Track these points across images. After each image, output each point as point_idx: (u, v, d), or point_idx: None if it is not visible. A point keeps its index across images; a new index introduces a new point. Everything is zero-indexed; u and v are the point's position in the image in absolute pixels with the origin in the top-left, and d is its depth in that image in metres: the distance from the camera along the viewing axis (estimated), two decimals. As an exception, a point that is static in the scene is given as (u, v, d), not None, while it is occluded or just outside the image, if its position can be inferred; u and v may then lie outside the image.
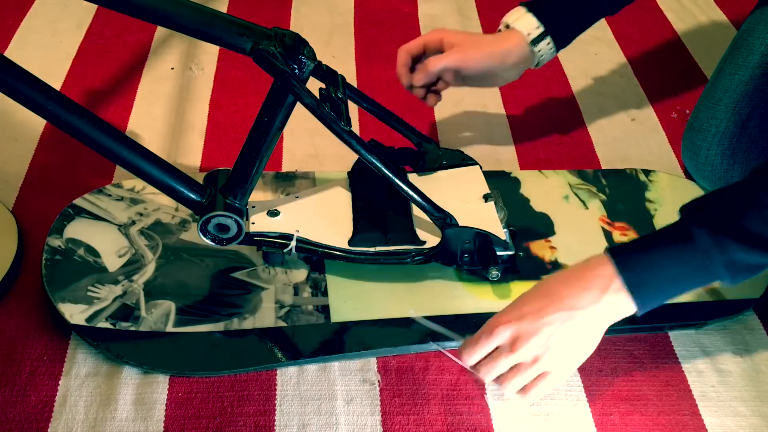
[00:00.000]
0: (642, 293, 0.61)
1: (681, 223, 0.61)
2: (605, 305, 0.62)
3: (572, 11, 0.86)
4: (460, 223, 0.76)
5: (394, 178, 0.72)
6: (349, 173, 0.85)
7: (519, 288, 0.81)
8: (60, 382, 0.71)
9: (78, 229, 0.82)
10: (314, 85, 0.72)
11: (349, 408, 0.71)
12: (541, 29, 0.84)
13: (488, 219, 0.79)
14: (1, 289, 0.78)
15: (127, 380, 0.72)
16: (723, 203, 0.60)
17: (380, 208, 0.81)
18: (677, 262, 0.60)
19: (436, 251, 0.77)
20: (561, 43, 0.87)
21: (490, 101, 1.11)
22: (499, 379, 0.67)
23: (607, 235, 0.89)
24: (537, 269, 0.84)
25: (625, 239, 0.88)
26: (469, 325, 0.78)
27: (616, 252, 0.62)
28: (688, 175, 0.98)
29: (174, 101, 1.07)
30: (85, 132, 0.67)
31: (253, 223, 0.77)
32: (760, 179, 0.60)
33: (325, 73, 0.75)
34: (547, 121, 1.08)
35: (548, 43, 0.85)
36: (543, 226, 0.89)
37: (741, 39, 0.90)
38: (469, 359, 0.66)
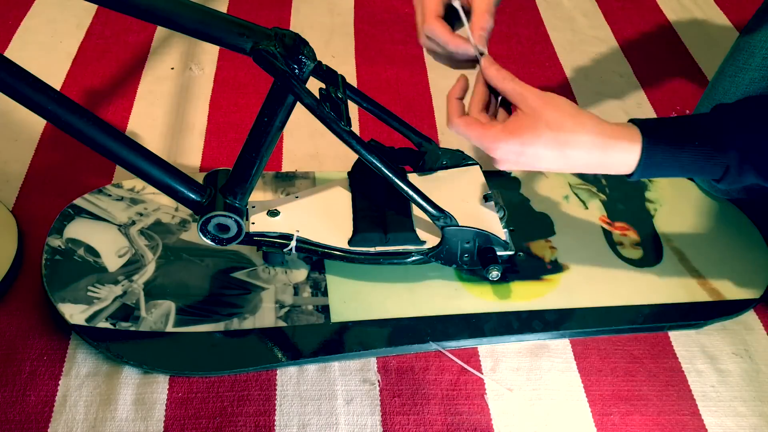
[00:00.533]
0: (649, 173, 0.67)
1: (715, 128, 0.65)
2: (609, 159, 0.66)
3: None
4: (460, 223, 0.76)
5: (394, 178, 0.72)
6: (349, 173, 0.85)
7: (519, 288, 0.82)
8: (60, 382, 0.71)
9: (78, 229, 0.82)
10: (314, 85, 0.72)
11: (349, 408, 0.71)
12: None
13: (488, 219, 0.79)
14: (1, 289, 0.78)
15: (127, 380, 0.72)
16: (753, 124, 0.64)
17: (380, 208, 0.80)
18: (699, 165, 0.65)
19: (436, 251, 0.77)
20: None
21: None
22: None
23: (607, 235, 0.89)
24: (537, 269, 0.84)
25: (625, 239, 0.88)
26: (469, 325, 0.78)
27: (648, 132, 0.65)
28: (688, 175, 0.98)
29: (174, 101, 1.07)
30: (85, 132, 0.67)
31: (253, 223, 0.77)
32: None
33: (325, 73, 0.75)
34: (547, 121, 1.08)
35: None
36: (543, 226, 0.89)
37: (742, 41, 0.90)
38: (456, 128, 0.68)
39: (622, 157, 0.66)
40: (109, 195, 0.87)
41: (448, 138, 1.04)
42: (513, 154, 0.66)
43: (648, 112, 1.10)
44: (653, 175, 0.68)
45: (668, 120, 0.68)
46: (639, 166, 0.66)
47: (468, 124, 0.67)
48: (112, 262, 0.80)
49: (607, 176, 0.96)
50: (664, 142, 0.65)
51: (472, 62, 0.72)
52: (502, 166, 0.68)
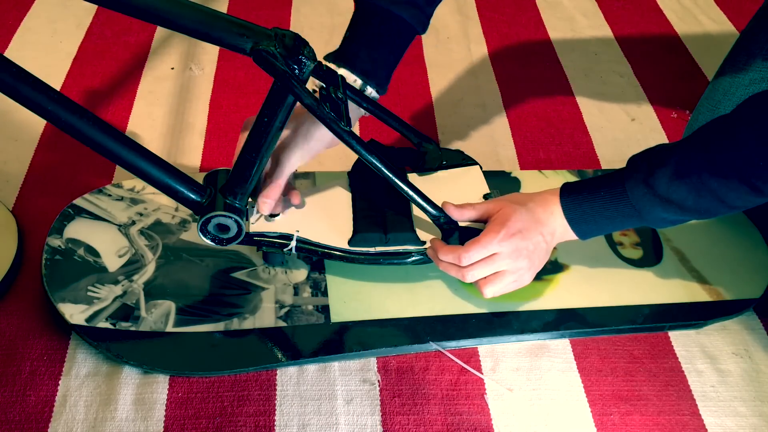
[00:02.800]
0: (581, 231, 0.73)
1: (619, 176, 0.70)
2: (561, 230, 0.73)
3: (381, 52, 0.76)
4: (460, 224, 0.76)
5: (394, 178, 0.72)
6: (349, 173, 0.85)
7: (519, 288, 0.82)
8: (60, 382, 0.71)
9: (78, 229, 0.82)
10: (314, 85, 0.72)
11: (349, 408, 0.71)
12: (360, 81, 0.75)
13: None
14: (1, 289, 0.78)
15: (127, 380, 0.72)
16: (654, 161, 0.68)
17: (380, 208, 0.80)
18: (613, 212, 0.70)
19: (436, 251, 0.77)
20: (383, 86, 0.78)
21: (490, 101, 1.11)
22: (479, 282, 0.73)
23: (607, 235, 0.89)
24: (537, 269, 0.84)
25: (625, 239, 0.88)
26: (469, 325, 0.78)
27: (566, 192, 0.72)
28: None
29: (174, 101, 1.07)
30: (85, 132, 0.67)
31: (253, 223, 0.77)
32: (690, 142, 0.67)
33: (325, 73, 0.75)
34: (547, 121, 1.08)
35: (370, 92, 0.77)
36: (543, 226, 0.89)
37: (743, 41, 0.90)
38: (466, 259, 0.71)
39: (555, 218, 0.72)
40: (109, 195, 0.87)
41: (448, 138, 1.04)
42: (522, 261, 0.71)
43: (648, 112, 1.10)
44: (588, 228, 0.72)
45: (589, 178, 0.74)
46: (568, 220, 0.72)
47: (466, 248, 0.72)
48: (112, 262, 0.80)
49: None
50: (578, 191, 0.71)
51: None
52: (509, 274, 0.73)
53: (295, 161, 0.74)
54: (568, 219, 0.71)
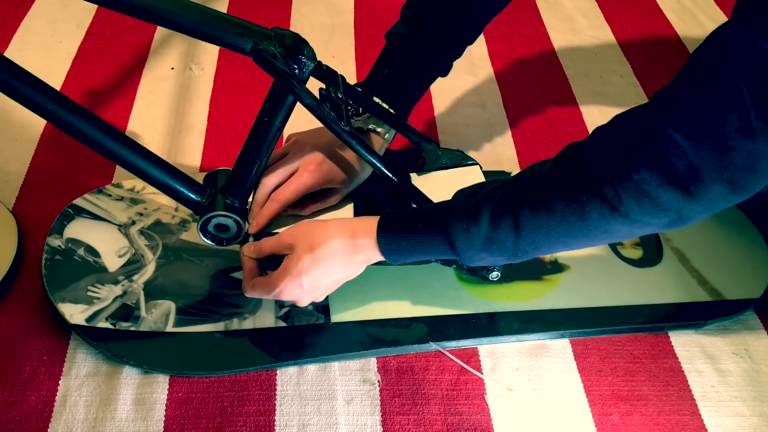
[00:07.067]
0: (395, 261, 0.69)
1: (441, 220, 0.65)
2: (361, 257, 0.69)
3: (409, 89, 0.81)
4: None
5: (394, 178, 0.72)
6: (349, 173, 0.85)
7: (519, 288, 0.82)
8: (60, 382, 0.71)
9: (78, 229, 0.82)
10: (314, 85, 0.72)
11: (349, 408, 0.71)
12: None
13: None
14: (1, 288, 0.78)
15: (127, 380, 0.72)
16: (472, 206, 0.64)
17: (380, 208, 0.80)
18: (428, 251, 0.67)
19: (436, 251, 0.77)
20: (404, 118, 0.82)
21: (490, 101, 1.11)
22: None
23: (607, 235, 0.89)
24: (537, 269, 0.84)
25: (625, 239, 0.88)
26: (469, 325, 0.78)
27: (384, 229, 0.67)
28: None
29: (174, 101, 1.07)
30: (85, 132, 0.67)
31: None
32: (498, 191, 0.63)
33: (325, 73, 0.75)
34: (547, 121, 1.08)
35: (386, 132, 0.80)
36: (543, 226, 0.89)
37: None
38: (248, 293, 0.72)
39: (367, 242, 0.68)
40: (109, 195, 0.87)
41: (448, 138, 1.04)
42: (298, 289, 0.69)
43: (648, 112, 1.10)
44: (401, 258, 0.68)
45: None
46: (381, 248, 0.67)
47: (254, 285, 0.71)
48: (112, 262, 0.80)
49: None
50: (396, 219, 0.68)
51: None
52: (302, 302, 0.71)
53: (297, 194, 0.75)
54: (384, 253, 0.68)
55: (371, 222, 0.68)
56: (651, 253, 0.87)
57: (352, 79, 1.13)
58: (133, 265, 0.80)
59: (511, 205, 0.61)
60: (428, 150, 0.87)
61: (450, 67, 0.82)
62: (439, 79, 0.83)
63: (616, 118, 0.59)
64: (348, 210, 0.81)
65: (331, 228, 0.69)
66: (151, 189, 0.88)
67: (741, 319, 0.82)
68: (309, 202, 0.77)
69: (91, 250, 0.81)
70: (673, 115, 0.54)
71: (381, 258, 0.69)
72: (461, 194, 0.67)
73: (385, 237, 0.67)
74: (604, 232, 0.59)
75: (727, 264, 0.86)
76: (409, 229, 0.67)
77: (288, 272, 0.68)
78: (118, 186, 0.88)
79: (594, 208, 0.58)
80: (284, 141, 0.80)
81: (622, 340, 0.79)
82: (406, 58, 0.79)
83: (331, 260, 0.68)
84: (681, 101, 0.54)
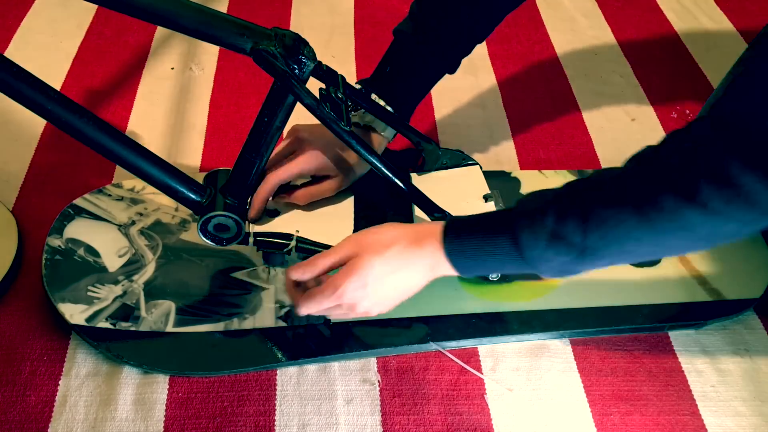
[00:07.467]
0: (462, 269, 0.65)
1: (506, 218, 0.62)
2: (426, 261, 0.65)
3: (411, 87, 0.81)
4: None
5: (394, 178, 0.72)
6: (349, 173, 0.85)
7: (519, 288, 0.82)
8: (60, 382, 0.71)
9: (78, 229, 0.82)
10: (314, 85, 0.72)
11: (349, 408, 0.71)
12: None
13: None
14: (1, 289, 0.78)
15: (127, 380, 0.72)
16: (538, 205, 0.61)
17: (381, 208, 0.81)
18: (494, 254, 0.62)
19: (436, 251, 0.77)
20: (407, 119, 0.83)
21: (490, 101, 1.11)
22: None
23: (607, 235, 0.89)
24: (537, 269, 0.84)
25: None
26: (469, 325, 0.78)
27: (449, 231, 0.64)
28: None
29: (174, 101, 1.07)
30: (85, 132, 0.67)
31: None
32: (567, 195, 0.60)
33: (325, 73, 0.75)
34: (547, 121, 1.08)
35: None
36: (543, 226, 0.89)
37: (754, 47, 0.88)
38: (306, 309, 0.67)
39: (432, 244, 0.64)
40: (109, 195, 0.87)
41: (448, 138, 1.04)
42: (360, 289, 0.65)
43: (648, 112, 1.10)
44: (468, 264, 0.64)
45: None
46: (446, 251, 0.64)
47: (309, 296, 0.67)
48: (112, 262, 0.80)
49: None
50: (462, 223, 0.64)
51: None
52: (360, 308, 0.66)
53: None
54: (449, 255, 0.64)
55: (435, 226, 0.66)
56: (651, 253, 0.87)
57: (352, 79, 1.13)
58: (133, 265, 0.80)
59: (580, 199, 0.58)
60: (428, 150, 0.87)
61: (458, 64, 0.81)
62: (439, 79, 0.83)
63: (693, 125, 0.56)
64: (348, 205, 0.81)
65: (392, 231, 0.66)
66: (151, 189, 0.88)
67: (741, 319, 0.82)
68: (305, 188, 0.78)
69: (91, 250, 0.81)
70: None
71: (447, 263, 0.64)
72: (529, 195, 0.64)
73: (450, 237, 0.64)
74: (681, 228, 0.54)
75: (727, 264, 0.86)
76: (474, 228, 0.63)
77: (353, 270, 0.64)
78: (118, 186, 0.88)
79: (668, 198, 0.53)
80: (285, 134, 0.80)
81: (622, 340, 0.79)
82: (408, 57, 0.79)
83: (397, 261, 0.64)
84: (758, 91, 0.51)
